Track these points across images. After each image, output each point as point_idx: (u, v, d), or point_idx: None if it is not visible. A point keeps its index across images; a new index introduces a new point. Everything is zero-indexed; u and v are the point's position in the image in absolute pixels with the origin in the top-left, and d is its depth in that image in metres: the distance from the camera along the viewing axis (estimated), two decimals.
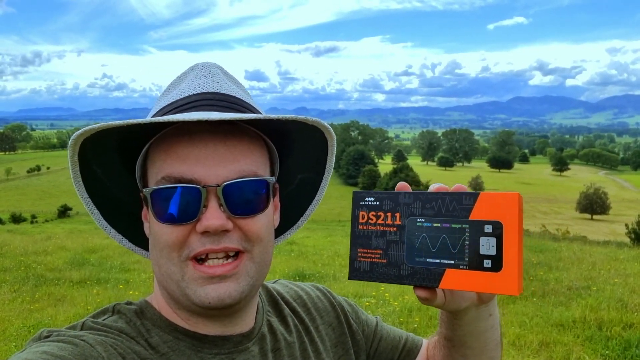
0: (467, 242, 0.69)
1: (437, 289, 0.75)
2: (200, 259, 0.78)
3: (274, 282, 1.10)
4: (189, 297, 0.78)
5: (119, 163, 0.87)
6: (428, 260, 0.71)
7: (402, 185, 0.78)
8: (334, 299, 1.11)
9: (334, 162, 0.97)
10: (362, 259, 0.76)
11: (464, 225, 0.70)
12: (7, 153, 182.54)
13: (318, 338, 1.01)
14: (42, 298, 7.67)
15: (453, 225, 0.70)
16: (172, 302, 0.84)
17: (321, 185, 1.01)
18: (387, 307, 6.87)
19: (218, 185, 0.76)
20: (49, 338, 0.74)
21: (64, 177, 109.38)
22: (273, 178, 0.85)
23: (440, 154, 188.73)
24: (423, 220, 0.73)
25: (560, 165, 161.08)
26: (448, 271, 0.70)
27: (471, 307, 0.84)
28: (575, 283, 8.15)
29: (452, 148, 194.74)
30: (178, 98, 0.84)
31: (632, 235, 24.71)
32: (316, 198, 1.03)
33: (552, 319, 6.38)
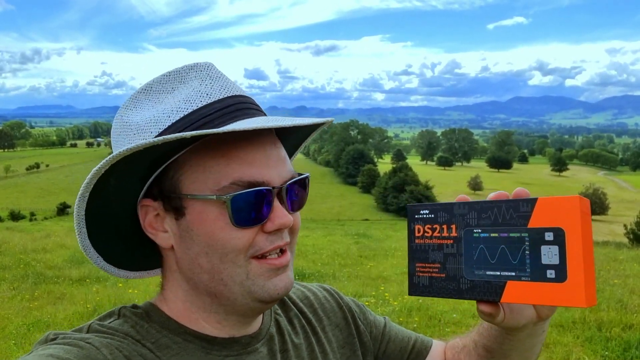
0: (527, 252, 0.66)
1: (500, 304, 0.72)
2: (259, 257, 0.80)
3: None
4: (254, 294, 0.79)
5: (138, 173, 0.81)
6: (488, 272, 0.69)
7: (462, 197, 0.76)
8: (341, 299, 1.11)
9: (309, 141, 1.02)
10: (421, 274, 0.75)
11: (523, 234, 0.66)
12: (6, 150, 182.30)
13: (325, 339, 1.01)
14: (41, 296, 7.66)
15: (511, 235, 0.67)
16: (207, 307, 0.84)
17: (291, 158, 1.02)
18: (387, 306, 6.87)
19: (282, 186, 0.80)
20: (55, 341, 0.75)
21: (63, 175, 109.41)
22: (309, 173, 0.89)
23: (439, 154, 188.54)
24: (480, 230, 0.70)
25: (560, 165, 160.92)
26: (509, 284, 0.67)
27: (529, 324, 0.82)
28: None
29: (452, 148, 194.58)
30: (208, 102, 0.81)
31: (631, 236, 24.83)
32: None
33: (552, 319, 6.30)
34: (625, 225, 26.91)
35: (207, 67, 0.86)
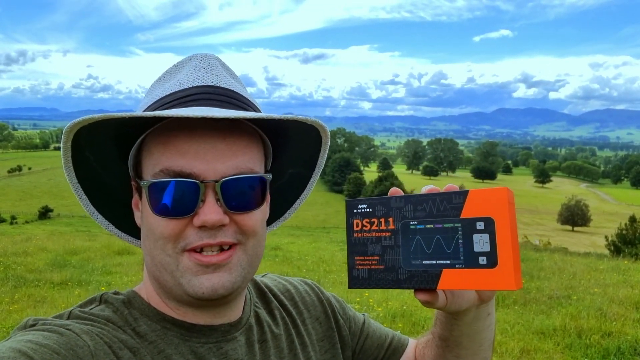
0: (460, 241, 0.69)
1: (437, 290, 0.75)
2: (195, 250, 0.79)
3: (262, 276, 1.11)
4: (182, 287, 0.79)
5: (113, 151, 0.85)
6: (424, 262, 0.71)
7: (394, 190, 0.77)
8: (322, 294, 1.12)
9: (325, 159, 0.98)
10: (360, 267, 0.77)
11: (456, 224, 0.70)
12: None
13: (305, 331, 1.02)
14: (21, 299, 7.56)
15: (445, 225, 0.70)
16: (162, 292, 0.84)
17: (310, 180, 1.01)
18: (371, 312, 6.88)
19: (216, 181, 0.76)
20: (35, 327, 0.73)
21: (45, 178, 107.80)
22: (270, 175, 0.85)
23: (425, 163, 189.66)
24: (416, 222, 0.73)
25: (543, 177, 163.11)
26: (445, 271, 0.70)
27: (472, 307, 0.84)
28: (556, 292, 8.27)
29: (437, 157, 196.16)
30: (177, 89, 0.83)
31: (612, 247, 25.11)
32: (304, 192, 1.03)
33: (533, 326, 6.47)
34: (606, 237, 27.24)
35: (202, 58, 0.87)
